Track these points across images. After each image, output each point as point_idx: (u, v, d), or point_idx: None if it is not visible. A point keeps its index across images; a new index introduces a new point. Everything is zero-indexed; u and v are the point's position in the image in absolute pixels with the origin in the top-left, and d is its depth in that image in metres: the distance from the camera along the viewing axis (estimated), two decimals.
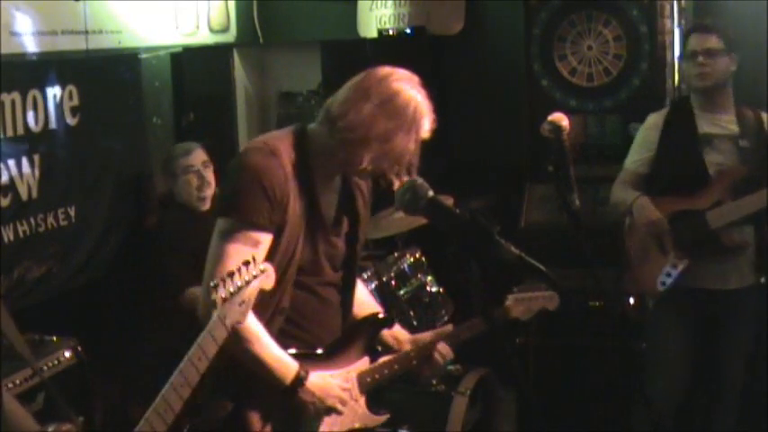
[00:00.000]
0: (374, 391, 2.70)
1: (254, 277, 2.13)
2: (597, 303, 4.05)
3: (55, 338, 3.48)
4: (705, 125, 3.65)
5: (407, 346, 2.76)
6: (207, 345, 2.06)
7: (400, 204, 2.38)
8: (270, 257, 2.38)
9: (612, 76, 4.45)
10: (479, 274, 2.17)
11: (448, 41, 5.02)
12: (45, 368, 3.32)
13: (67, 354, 3.43)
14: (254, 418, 2.48)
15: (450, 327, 2.83)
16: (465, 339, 2.80)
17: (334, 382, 2.55)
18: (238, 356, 2.37)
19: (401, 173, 2.43)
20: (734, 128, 3.63)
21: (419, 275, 4.00)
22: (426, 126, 2.42)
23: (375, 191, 2.71)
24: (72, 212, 4.03)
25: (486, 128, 5.06)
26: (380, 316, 2.76)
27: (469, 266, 2.17)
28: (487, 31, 5.05)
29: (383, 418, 2.72)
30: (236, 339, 2.29)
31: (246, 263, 2.13)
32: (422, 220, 2.96)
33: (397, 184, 2.43)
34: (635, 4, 4.37)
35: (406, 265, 3.97)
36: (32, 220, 3.82)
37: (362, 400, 2.66)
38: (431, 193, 2.32)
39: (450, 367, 3.85)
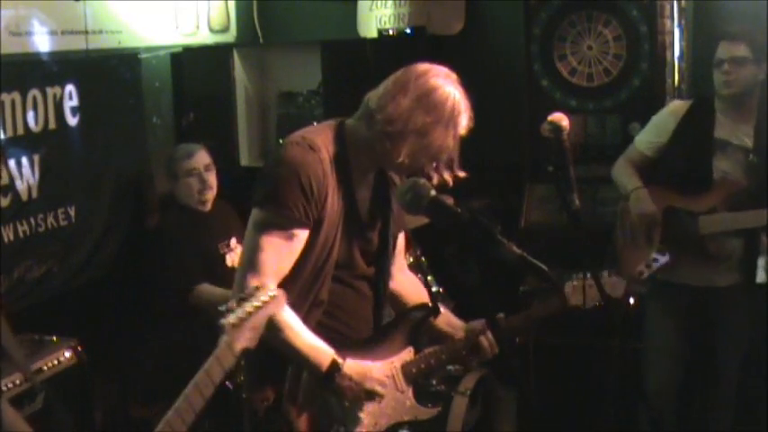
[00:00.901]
0: (423, 384, 2.70)
1: (265, 303, 2.11)
2: (597, 303, 4.04)
3: (55, 338, 3.48)
4: (722, 130, 3.64)
5: (461, 333, 2.73)
6: (214, 370, 2.03)
7: (402, 204, 2.39)
8: (308, 251, 2.41)
9: (612, 76, 4.45)
10: (479, 274, 2.17)
11: (448, 41, 5.01)
12: (45, 368, 3.32)
13: (67, 354, 3.43)
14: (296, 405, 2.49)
15: (501, 315, 2.74)
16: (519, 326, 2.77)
17: (374, 367, 2.55)
18: (275, 346, 2.38)
19: (440, 168, 2.45)
20: (749, 141, 3.62)
21: (419, 275, 3.99)
22: (464, 122, 2.46)
23: None
24: (72, 212, 4.03)
25: (486, 128, 5.04)
26: (423, 306, 2.76)
27: (470, 266, 2.17)
28: (487, 31, 5.05)
29: (434, 410, 2.71)
30: (270, 329, 2.30)
31: (257, 288, 2.12)
32: (423, 220, 2.97)
33: (434, 181, 2.45)
34: (635, 4, 4.36)
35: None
36: (32, 220, 3.82)
37: (410, 392, 2.65)
38: (433, 192, 2.33)
39: (450, 367, 3.85)
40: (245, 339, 2.06)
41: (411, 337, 2.67)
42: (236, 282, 2.39)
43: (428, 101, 2.39)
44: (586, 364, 4.14)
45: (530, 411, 4.04)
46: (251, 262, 2.35)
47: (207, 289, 3.93)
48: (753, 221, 3.51)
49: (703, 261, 3.63)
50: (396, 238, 2.70)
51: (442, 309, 2.78)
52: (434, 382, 3.80)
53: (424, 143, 2.39)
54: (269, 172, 2.45)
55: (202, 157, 4.13)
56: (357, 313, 2.60)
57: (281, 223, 2.36)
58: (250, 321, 2.06)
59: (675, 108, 3.80)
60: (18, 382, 3.09)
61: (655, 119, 3.85)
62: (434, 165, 2.44)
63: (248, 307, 2.07)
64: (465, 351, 2.70)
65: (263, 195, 2.41)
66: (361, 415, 2.55)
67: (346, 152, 2.47)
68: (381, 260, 2.64)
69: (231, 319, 2.03)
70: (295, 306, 2.39)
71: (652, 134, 3.81)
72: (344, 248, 2.49)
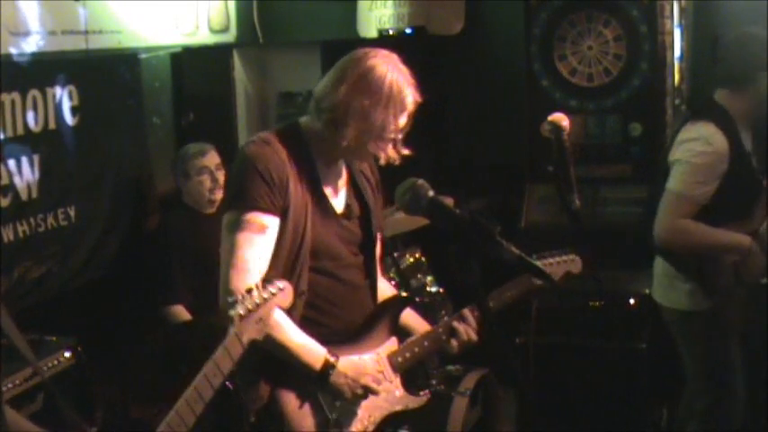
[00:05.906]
0: (410, 372, 2.71)
1: (273, 295, 2.17)
2: (597, 303, 4.04)
3: (55, 338, 3.48)
4: (745, 142, 3.44)
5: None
6: (222, 361, 2.07)
7: (401, 205, 2.39)
8: (280, 241, 2.44)
9: (612, 76, 4.44)
10: (479, 274, 2.17)
11: (448, 41, 5.02)
12: (45, 368, 3.31)
13: (67, 354, 3.43)
14: (292, 399, 2.49)
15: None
16: (496, 307, 2.77)
17: (367, 362, 2.56)
18: (264, 347, 2.38)
19: (386, 149, 2.49)
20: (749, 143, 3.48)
21: (419, 275, 3.99)
22: (408, 99, 2.48)
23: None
24: (72, 212, 4.03)
25: (487, 128, 5.06)
26: (399, 296, 2.78)
27: (470, 266, 2.17)
28: (487, 31, 5.05)
29: (423, 398, 2.73)
30: None
31: (266, 281, 2.17)
32: (423, 221, 2.97)
33: (382, 160, 2.50)
34: (635, 4, 4.36)
35: (405, 266, 3.97)
36: (32, 220, 3.82)
37: (398, 382, 2.67)
38: (431, 193, 2.33)
39: (450, 367, 3.85)
40: (252, 331, 2.12)
41: (393, 328, 2.69)
42: (221, 285, 2.39)
43: (365, 83, 2.43)
44: (586, 364, 4.14)
45: (530, 411, 4.04)
46: (232, 262, 2.38)
47: (180, 312, 3.93)
48: None
49: None
50: (378, 227, 2.72)
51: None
52: (434, 382, 3.80)
53: (365, 125, 2.44)
54: (231, 175, 2.53)
55: (214, 157, 4.16)
56: (347, 304, 2.60)
57: (252, 217, 2.40)
58: (257, 313, 2.12)
59: (719, 146, 3.28)
60: (18, 382, 3.09)
61: (698, 163, 3.30)
62: (380, 145, 2.48)
63: (256, 298, 2.12)
64: (444, 336, 2.70)
65: (230, 197, 2.51)
66: (357, 410, 2.55)
67: (306, 145, 2.53)
68: (367, 249, 2.66)
69: (239, 310, 2.08)
70: None
71: (707, 182, 3.30)
72: (321, 237, 2.51)
